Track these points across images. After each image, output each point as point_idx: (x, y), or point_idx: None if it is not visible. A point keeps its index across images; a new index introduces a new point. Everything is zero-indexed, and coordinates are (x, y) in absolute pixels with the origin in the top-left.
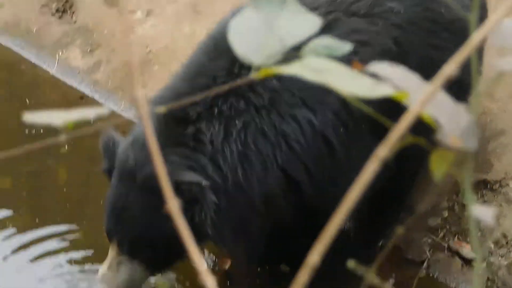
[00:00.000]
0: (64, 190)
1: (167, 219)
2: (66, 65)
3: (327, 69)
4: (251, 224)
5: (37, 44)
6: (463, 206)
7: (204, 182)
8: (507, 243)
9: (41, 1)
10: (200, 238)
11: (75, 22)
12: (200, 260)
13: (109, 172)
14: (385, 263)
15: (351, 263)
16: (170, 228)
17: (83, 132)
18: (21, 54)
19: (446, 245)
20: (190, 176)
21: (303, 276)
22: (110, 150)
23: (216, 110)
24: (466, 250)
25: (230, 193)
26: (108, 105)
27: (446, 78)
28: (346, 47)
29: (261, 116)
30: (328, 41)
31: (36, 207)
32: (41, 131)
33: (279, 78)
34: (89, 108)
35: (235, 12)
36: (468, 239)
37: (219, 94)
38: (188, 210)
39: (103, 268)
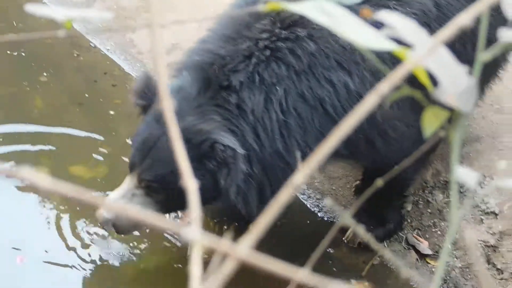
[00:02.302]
0: (37, 118)
1: (192, 171)
2: None
3: (336, 15)
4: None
5: None
6: (427, 203)
7: (240, 150)
8: (464, 245)
9: None
10: (219, 199)
11: None
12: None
13: (143, 107)
14: (343, 245)
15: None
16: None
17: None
18: None
19: (404, 237)
20: (228, 140)
21: (284, 195)
22: (150, 87)
23: (257, 78)
24: (423, 246)
25: (267, 161)
26: (95, 43)
27: (455, 30)
28: None
29: (301, 81)
30: None
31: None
32: (23, 54)
33: (316, 41)
34: (92, 10)
35: None
36: (426, 236)
37: (261, 60)
38: (216, 171)
39: (114, 194)
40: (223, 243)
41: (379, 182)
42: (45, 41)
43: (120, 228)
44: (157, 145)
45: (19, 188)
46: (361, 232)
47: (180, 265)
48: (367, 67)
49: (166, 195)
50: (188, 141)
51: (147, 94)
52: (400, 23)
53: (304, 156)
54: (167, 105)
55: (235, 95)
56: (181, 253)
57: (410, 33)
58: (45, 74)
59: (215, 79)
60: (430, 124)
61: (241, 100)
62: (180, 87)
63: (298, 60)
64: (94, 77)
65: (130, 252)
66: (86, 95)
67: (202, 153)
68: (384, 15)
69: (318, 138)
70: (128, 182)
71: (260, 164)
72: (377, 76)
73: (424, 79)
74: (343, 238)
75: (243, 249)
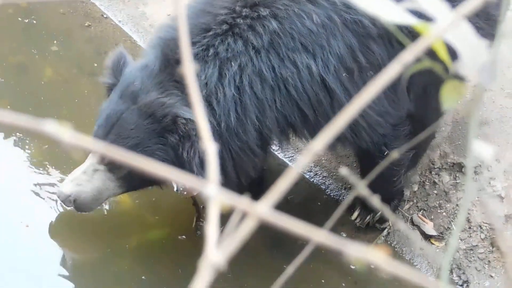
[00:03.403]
0: (47, 88)
1: (154, 146)
2: None
3: None
4: (244, 166)
5: None
6: (434, 184)
7: None
8: (469, 228)
9: None
10: (187, 169)
11: None
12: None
13: (109, 85)
14: (349, 224)
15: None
16: (154, 155)
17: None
18: None
19: (409, 218)
20: (189, 113)
21: (305, 158)
22: (118, 66)
23: (211, 51)
24: (428, 227)
25: (224, 136)
26: (107, 14)
27: (475, 6)
28: None
29: (260, 58)
30: None
31: (15, 99)
32: (35, 22)
33: (280, 20)
34: None
35: None
36: (431, 217)
37: (217, 34)
38: (179, 145)
39: (76, 170)
40: (243, 201)
41: (395, 154)
42: (58, 10)
43: (81, 205)
44: (120, 121)
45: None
46: (376, 202)
47: (184, 237)
48: (333, 51)
49: (128, 171)
50: (151, 115)
51: (115, 73)
52: None
53: (261, 136)
54: (189, 69)
55: None
56: (185, 226)
57: (432, 6)
58: (55, 42)
59: (172, 53)
60: (449, 97)
61: (197, 73)
62: (144, 65)
63: (257, 37)
64: (105, 48)
65: (133, 225)
66: (96, 66)
67: (164, 127)
68: None
69: (278, 119)
70: (91, 158)
71: (219, 138)
72: (343, 61)
73: (443, 53)
74: (351, 217)
75: (264, 207)
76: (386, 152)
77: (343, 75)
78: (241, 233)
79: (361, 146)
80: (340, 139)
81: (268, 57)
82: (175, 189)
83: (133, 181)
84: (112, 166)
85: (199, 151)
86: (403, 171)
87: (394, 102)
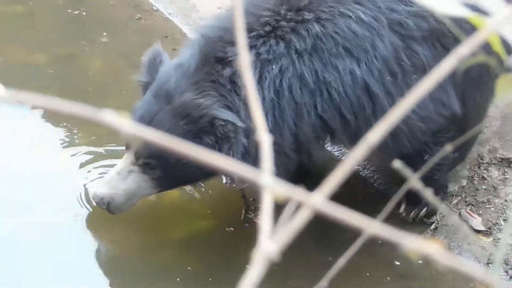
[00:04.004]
0: (95, 78)
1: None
2: None
3: None
4: (278, 169)
5: None
6: (482, 179)
7: (240, 124)
8: None
9: None
10: (216, 174)
11: None
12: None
13: (144, 84)
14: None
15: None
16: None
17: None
18: None
19: (457, 213)
20: (227, 115)
21: (360, 151)
22: (153, 64)
23: (253, 52)
24: (476, 222)
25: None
26: (158, 6)
27: None
28: None
29: (302, 61)
30: None
31: (63, 89)
32: (84, 14)
33: (323, 24)
34: None
35: None
36: (480, 212)
37: (259, 35)
38: (217, 147)
39: (111, 171)
40: (298, 192)
41: (448, 148)
42: (108, 2)
43: (115, 207)
44: (154, 121)
45: None
46: (429, 195)
47: (231, 229)
48: (377, 54)
49: (162, 172)
50: (187, 115)
51: (151, 71)
52: None
53: (297, 141)
54: (245, 61)
55: (229, 67)
56: (233, 218)
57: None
58: (104, 34)
59: (212, 51)
60: (504, 91)
61: (234, 73)
62: (179, 64)
63: (300, 40)
64: (154, 41)
65: (179, 215)
66: None
67: (200, 128)
68: None
69: (314, 124)
70: (125, 159)
71: (254, 141)
72: (387, 64)
73: (499, 47)
74: (398, 210)
75: (319, 198)
76: (426, 157)
77: (387, 78)
78: (295, 224)
79: (401, 152)
80: (379, 145)
81: (311, 61)
82: (224, 181)
83: (167, 181)
84: (146, 167)
85: (238, 153)
86: (446, 169)
87: (441, 104)
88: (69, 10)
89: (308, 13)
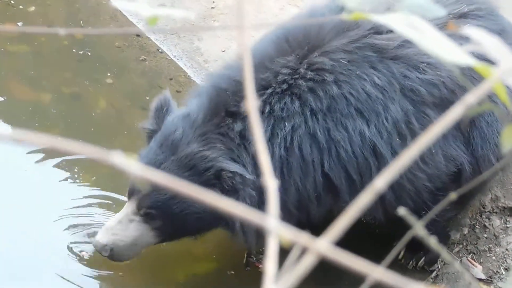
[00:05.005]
0: (98, 119)
1: (193, 200)
2: None
3: (422, 29)
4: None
5: None
6: (484, 228)
7: (248, 176)
8: None
9: None
10: (223, 225)
11: None
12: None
13: (151, 132)
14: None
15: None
16: (191, 207)
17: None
18: None
19: (459, 261)
20: (235, 167)
21: (366, 197)
22: (160, 113)
23: (267, 109)
24: (477, 270)
25: (264, 194)
26: (163, 49)
27: None
28: (440, 11)
29: (316, 119)
30: (424, 2)
31: (66, 129)
32: (89, 54)
33: (340, 85)
34: (175, 10)
35: (313, 9)
36: (481, 260)
37: (275, 92)
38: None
39: (112, 220)
40: (303, 236)
41: (453, 196)
42: (113, 43)
43: (118, 254)
44: (159, 171)
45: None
46: (433, 243)
47: (232, 272)
48: (388, 116)
49: (163, 222)
50: (192, 167)
51: (158, 120)
52: (486, 39)
53: (300, 197)
54: (252, 106)
55: (241, 122)
56: (235, 261)
57: (494, 49)
58: (109, 74)
59: (224, 104)
60: (509, 140)
61: (245, 128)
62: (186, 114)
63: (317, 100)
64: (159, 82)
65: (180, 257)
66: (149, 99)
67: (206, 181)
68: (470, 30)
69: (318, 181)
70: (126, 208)
71: (259, 195)
72: (397, 126)
73: (504, 96)
74: (399, 257)
75: (324, 243)
76: (423, 212)
77: (396, 140)
78: (300, 268)
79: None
80: (379, 202)
81: (324, 120)
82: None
83: (168, 232)
84: (147, 217)
85: (248, 204)
86: (445, 219)
87: (448, 159)
88: (74, 50)
89: (329, 74)
